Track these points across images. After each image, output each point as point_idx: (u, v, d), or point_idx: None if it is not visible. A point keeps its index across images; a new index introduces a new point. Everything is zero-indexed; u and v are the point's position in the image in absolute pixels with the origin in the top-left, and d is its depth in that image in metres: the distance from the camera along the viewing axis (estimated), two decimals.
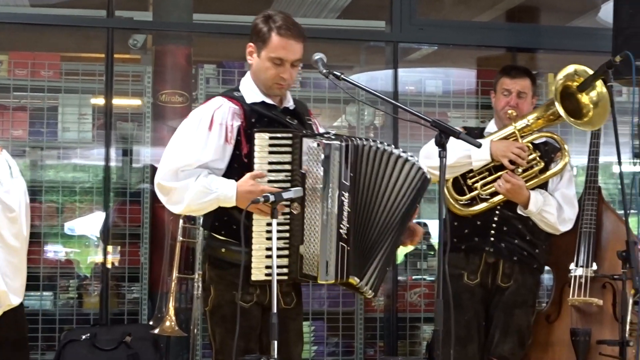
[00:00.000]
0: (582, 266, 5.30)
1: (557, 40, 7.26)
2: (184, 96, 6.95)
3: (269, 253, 3.97)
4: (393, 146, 4.27)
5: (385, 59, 7.28)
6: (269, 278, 3.98)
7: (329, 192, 4.03)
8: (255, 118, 4.19)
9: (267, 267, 4.02)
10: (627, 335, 4.70)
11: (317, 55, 4.18)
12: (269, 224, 3.97)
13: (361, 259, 4.13)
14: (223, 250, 4.19)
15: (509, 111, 5.25)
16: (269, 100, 4.25)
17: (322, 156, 4.02)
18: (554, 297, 5.47)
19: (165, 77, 7.01)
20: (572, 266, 5.34)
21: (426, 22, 7.16)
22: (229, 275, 4.13)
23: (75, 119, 6.92)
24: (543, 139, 5.27)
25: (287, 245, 4.07)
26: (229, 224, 4.15)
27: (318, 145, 4.04)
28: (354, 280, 4.10)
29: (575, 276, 5.31)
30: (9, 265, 3.97)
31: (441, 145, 3.87)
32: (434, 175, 5.05)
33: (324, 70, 4.14)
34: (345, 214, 4.06)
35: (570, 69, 5.17)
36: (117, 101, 6.82)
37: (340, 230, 4.04)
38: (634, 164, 6.07)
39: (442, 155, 3.85)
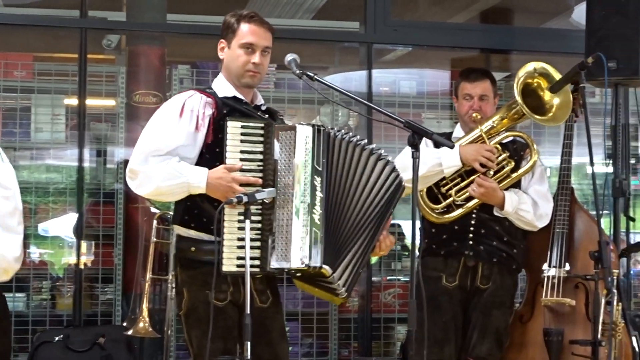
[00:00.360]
0: (554, 266, 5.32)
1: (531, 41, 7.29)
2: (157, 97, 6.93)
3: (241, 244, 3.96)
4: (366, 141, 4.29)
5: (359, 59, 7.28)
6: (240, 270, 3.96)
7: (302, 175, 4.04)
8: (227, 110, 4.21)
9: (239, 258, 3.99)
10: (599, 335, 4.71)
11: (290, 56, 4.20)
12: (240, 214, 3.96)
13: (334, 251, 4.12)
14: (193, 249, 4.18)
15: (473, 115, 5.27)
16: (240, 96, 4.28)
17: (295, 140, 4.04)
18: (527, 298, 5.49)
19: (139, 77, 6.99)
20: (544, 266, 5.35)
21: (400, 23, 7.17)
22: (200, 274, 4.12)
23: (48, 120, 6.88)
24: (510, 138, 5.29)
25: (258, 236, 4.05)
26: (199, 217, 4.16)
27: (290, 129, 4.06)
28: (326, 270, 4.07)
29: (548, 276, 5.33)
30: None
31: (414, 145, 3.88)
32: (408, 188, 5.09)
33: (297, 71, 4.16)
34: (318, 199, 4.06)
35: (529, 66, 5.21)
36: (90, 101, 6.80)
37: (313, 215, 4.04)
38: (607, 164, 6.09)
39: (415, 156, 3.87)
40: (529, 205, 5.22)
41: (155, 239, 6.01)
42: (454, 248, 5.22)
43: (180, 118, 4.17)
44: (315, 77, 4.15)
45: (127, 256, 6.72)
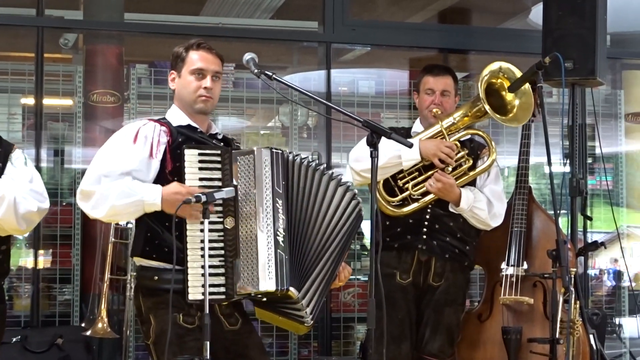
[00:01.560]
0: (513, 265, 5.35)
1: (488, 41, 7.34)
2: (115, 96, 6.90)
3: (203, 272, 3.89)
4: (325, 165, 4.32)
5: (318, 59, 7.29)
6: (203, 297, 3.88)
7: (263, 197, 4.04)
8: (182, 139, 4.19)
9: (203, 285, 3.92)
10: (557, 333, 4.75)
11: (248, 55, 4.18)
12: (202, 241, 3.92)
13: (299, 275, 4.11)
14: (156, 278, 4.11)
15: (434, 110, 5.28)
16: (195, 124, 4.26)
17: (254, 163, 4.04)
18: (485, 296, 5.52)
19: (96, 76, 6.96)
20: (503, 265, 5.38)
21: (359, 23, 7.18)
22: (166, 300, 3.97)
23: (4, 119, 6.83)
24: (469, 137, 5.31)
25: (222, 262, 4.03)
26: (159, 247, 4.11)
27: (248, 154, 4.06)
28: (293, 293, 4.05)
29: (506, 275, 5.36)
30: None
31: (373, 145, 3.89)
32: (363, 179, 5.11)
33: (256, 70, 4.15)
34: (280, 221, 4.06)
35: (495, 65, 5.23)
36: (47, 101, 6.76)
37: (277, 237, 4.04)
38: (564, 164, 6.13)
39: (374, 155, 3.87)
40: (484, 204, 5.24)
41: (113, 239, 5.98)
42: (408, 241, 5.22)
43: (134, 144, 4.13)
44: (274, 76, 4.13)
45: (86, 256, 6.68)
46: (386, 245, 5.14)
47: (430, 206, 5.22)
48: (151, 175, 4.13)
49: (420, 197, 5.19)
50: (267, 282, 4.00)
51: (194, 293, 3.97)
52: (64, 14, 7.37)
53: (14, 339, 6.01)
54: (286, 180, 4.13)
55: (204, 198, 3.85)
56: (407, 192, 5.20)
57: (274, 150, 4.12)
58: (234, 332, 4.21)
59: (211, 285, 3.92)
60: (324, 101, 4.51)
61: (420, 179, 5.20)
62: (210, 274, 3.91)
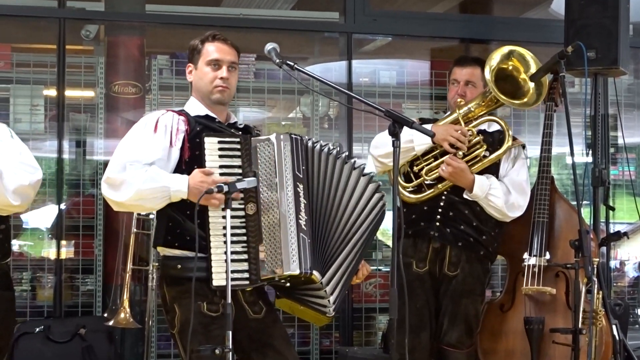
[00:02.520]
0: (535, 255, 5.33)
1: (510, 31, 7.31)
2: (137, 87, 6.91)
3: (227, 257, 3.94)
4: (347, 153, 4.32)
5: (339, 50, 7.28)
6: (231, 283, 3.93)
7: (284, 182, 4.05)
8: (200, 128, 4.21)
9: (227, 272, 3.97)
10: (580, 323, 4.74)
11: (270, 46, 4.18)
12: (225, 227, 3.92)
13: (322, 260, 4.13)
14: (179, 267, 4.13)
15: (458, 100, 5.28)
16: (213, 114, 4.28)
17: (274, 149, 4.05)
18: (507, 287, 5.50)
19: (118, 68, 6.97)
20: (525, 255, 5.36)
21: (380, 13, 7.18)
22: (189, 288, 3.98)
23: (27, 110, 6.86)
24: (498, 128, 5.29)
25: (245, 249, 4.05)
26: (182, 235, 4.12)
27: (268, 141, 4.08)
28: (316, 276, 4.07)
29: (528, 265, 5.34)
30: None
31: (395, 134, 3.88)
32: (382, 165, 5.13)
33: (277, 60, 4.15)
34: (302, 205, 4.07)
35: (505, 49, 5.22)
36: (69, 92, 6.77)
37: (300, 221, 4.06)
38: (586, 154, 6.11)
39: (396, 145, 3.87)
40: (501, 192, 5.21)
41: (135, 230, 6.00)
42: (421, 228, 5.22)
43: (155, 133, 4.16)
44: (295, 66, 4.14)
45: (108, 247, 6.70)
46: (403, 234, 5.14)
47: (445, 193, 5.21)
48: (171, 164, 4.16)
49: (434, 182, 5.19)
50: (291, 265, 4.03)
51: (218, 279, 3.99)
52: (86, 6, 7.37)
53: (37, 329, 6.04)
54: (306, 166, 4.15)
55: (226, 188, 3.86)
56: (421, 178, 5.20)
57: (294, 136, 4.15)
58: (258, 321, 4.23)
59: (234, 271, 3.94)
60: (346, 91, 4.51)
61: (434, 164, 5.20)
62: (233, 260, 3.92)
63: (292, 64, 4.13)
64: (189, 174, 4.10)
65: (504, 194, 5.22)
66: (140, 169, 4.07)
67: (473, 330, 5.34)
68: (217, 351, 3.79)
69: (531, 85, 5.22)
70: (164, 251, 4.22)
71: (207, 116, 4.27)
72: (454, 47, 7.66)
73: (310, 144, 4.21)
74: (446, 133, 5.14)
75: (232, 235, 3.93)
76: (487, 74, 5.10)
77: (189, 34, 6.87)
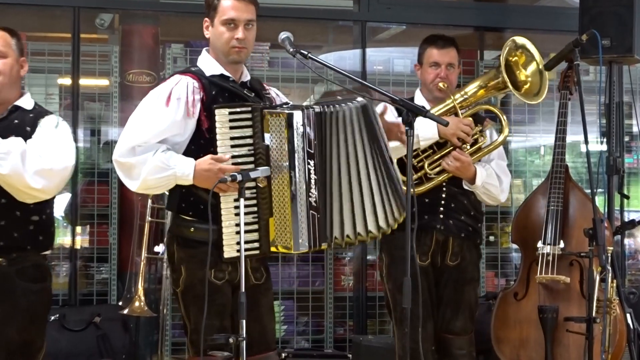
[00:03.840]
0: (549, 244, 5.33)
1: (525, 19, 7.30)
2: (151, 76, 6.93)
3: (239, 229, 3.95)
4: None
5: (353, 38, 7.27)
6: (239, 254, 3.95)
7: (295, 161, 4.04)
8: (216, 91, 4.19)
9: (239, 243, 3.98)
10: (594, 312, 4.73)
11: (284, 34, 4.16)
12: (237, 200, 3.94)
13: (330, 223, 4.13)
14: (192, 229, 4.15)
15: (440, 84, 5.20)
16: (227, 73, 4.25)
17: (285, 126, 4.03)
18: (521, 275, 5.50)
19: (132, 56, 6.99)
20: (539, 244, 5.36)
21: (394, 2, 7.16)
22: (200, 253, 4.06)
23: (42, 99, 6.86)
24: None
25: (255, 220, 4.06)
26: (195, 204, 4.13)
27: (279, 115, 4.04)
28: (324, 246, 4.12)
29: (542, 254, 5.34)
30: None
31: (408, 123, 3.88)
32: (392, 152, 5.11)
33: (291, 49, 4.13)
34: (312, 181, 4.06)
35: (519, 40, 5.18)
36: (84, 81, 6.80)
37: (310, 199, 4.05)
38: (601, 142, 6.10)
39: (409, 134, 3.86)
40: (495, 179, 5.21)
41: (150, 218, 6.01)
42: (425, 222, 5.14)
43: (167, 107, 4.11)
44: (309, 55, 4.13)
45: (122, 235, 6.72)
46: (404, 226, 5.10)
47: (445, 184, 5.18)
48: (187, 135, 4.15)
49: (435, 175, 5.16)
50: (299, 244, 4.05)
51: (230, 251, 4.02)
52: None
53: (52, 318, 6.05)
54: (320, 138, 4.09)
55: (239, 177, 3.85)
56: (423, 171, 5.16)
57: (306, 110, 4.06)
58: (255, 287, 4.24)
59: (246, 242, 3.94)
60: (360, 80, 4.49)
61: (435, 157, 5.15)
62: (245, 231, 3.90)
63: (305, 53, 4.11)
64: (205, 142, 4.10)
65: (497, 181, 5.21)
66: (148, 152, 4.06)
67: (474, 315, 5.34)
68: (231, 340, 3.80)
69: (530, 79, 5.17)
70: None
71: (222, 76, 4.24)
72: (469, 35, 7.65)
73: (323, 110, 4.10)
74: (456, 127, 5.07)
75: (245, 206, 3.91)
76: (502, 62, 5.05)
77: (203, 22, 6.86)
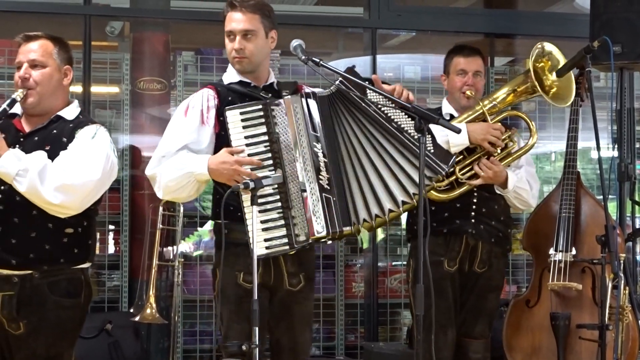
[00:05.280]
0: (561, 251, 5.32)
1: (535, 25, 7.29)
2: (162, 83, 6.94)
3: (265, 226, 4.02)
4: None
5: (363, 45, 7.28)
6: (271, 251, 4.05)
7: (299, 145, 4.09)
8: (232, 96, 4.25)
9: (266, 239, 4.04)
10: (606, 319, 4.72)
11: (296, 42, 4.19)
12: (260, 196, 3.97)
13: (351, 203, 4.16)
14: (226, 231, 4.19)
15: (467, 91, 5.25)
16: (245, 79, 4.31)
17: (284, 112, 4.10)
18: (533, 282, 5.49)
19: (143, 64, 7.00)
20: (551, 251, 5.35)
21: (404, 9, 7.17)
22: (231, 255, 4.15)
23: None
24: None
25: (281, 214, 4.10)
26: (226, 206, 4.14)
27: (278, 103, 4.10)
28: (348, 230, 4.14)
29: (554, 261, 5.32)
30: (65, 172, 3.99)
31: (420, 130, 3.88)
32: None
33: (303, 57, 4.15)
34: (322, 164, 4.10)
35: (548, 46, 5.19)
36: (95, 89, 6.81)
37: (321, 182, 4.08)
38: (612, 149, 6.09)
39: (422, 141, 3.86)
40: (526, 184, 5.28)
41: (161, 226, 6.01)
42: (457, 226, 5.21)
43: (185, 117, 4.25)
44: (321, 62, 4.14)
45: (134, 243, 6.73)
46: (434, 230, 5.09)
47: (476, 189, 5.20)
48: (206, 142, 4.23)
49: (466, 180, 5.17)
50: (317, 228, 4.08)
51: (258, 249, 4.01)
52: (111, 2, 7.41)
53: None
54: (323, 119, 4.14)
55: (252, 184, 3.87)
56: (454, 176, 5.18)
57: (305, 92, 4.17)
58: (290, 293, 4.29)
59: (273, 239, 4.03)
60: (371, 87, 4.48)
61: (467, 162, 5.18)
62: (270, 228, 4.01)
63: (317, 60, 4.13)
64: (220, 148, 4.17)
65: (528, 186, 5.24)
66: (169, 160, 4.18)
67: (493, 322, 5.39)
68: (244, 347, 3.80)
69: (556, 84, 5.19)
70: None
71: (240, 82, 4.31)
72: (479, 41, 7.64)
73: (325, 93, 4.20)
74: (486, 133, 5.11)
75: (267, 203, 4.02)
76: (530, 67, 5.09)
77: (213, 30, 6.87)
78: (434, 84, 7.44)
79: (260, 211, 3.99)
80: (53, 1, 7.20)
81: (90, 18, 6.62)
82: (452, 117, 5.30)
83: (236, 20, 4.26)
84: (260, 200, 3.98)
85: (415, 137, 4.10)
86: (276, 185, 4.07)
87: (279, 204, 4.09)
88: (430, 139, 4.14)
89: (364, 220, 4.15)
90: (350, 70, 4.20)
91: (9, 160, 3.92)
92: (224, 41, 4.38)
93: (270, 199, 4.05)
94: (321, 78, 4.40)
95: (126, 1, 7.32)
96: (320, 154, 4.09)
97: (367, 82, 4.22)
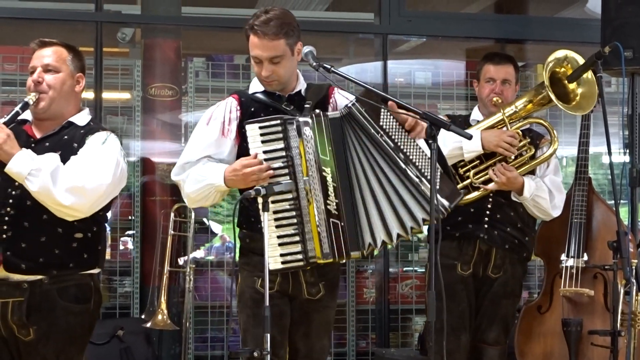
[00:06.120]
0: (573, 257, 5.32)
1: (546, 31, 7.28)
2: (173, 89, 6.95)
3: (282, 241, 4.04)
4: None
5: (374, 50, 7.28)
6: (286, 265, 4.05)
7: (309, 170, 4.06)
8: (254, 107, 4.24)
9: (282, 254, 4.05)
10: (618, 325, 4.71)
11: (307, 48, 4.18)
12: (276, 212, 4.00)
13: (361, 232, 4.12)
14: (247, 240, 4.27)
15: (494, 99, 5.25)
16: (270, 89, 4.27)
17: (297, 135, 4.06)
18: (545, 288, 5.49)
19: (154, 70, 7.01)
20: (563, 257, 5.35)
21: (415, 14, 7.17)
22: (251, 262, 4.23)
23: None
24: (528, 126, 5.27)
25: (296, 231, 4.09)
26: (247, 217, 4.24)
27: (292, 124, 4.07)
28: (356, 254, 4.13)
29: (566, 267, 5.33)
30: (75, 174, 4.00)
31: (432, 137, 3.87)
32: None
33: (314, 63, 4.14)
34: (331, 189, 4.07)
35: (560, 53, 5.17)
36: (106, 95, 6.82)
37: (328, 207, 4.06)
38: (624, 154, 6.08)
39: (433, 147, 3.86)
40: (546, 193, 5.21)
41: (173, 232, 6.02)
42: (469, 231, 5.19)
43: (207, 126, 4.27)
44: (332, 68, 4.13)
45: (145, 249, 6.74)
46: (447, 234, 5.10)
47: (491, 194, 5.19)
48: (226, 153, 4.24)
49: (481, 185, 5.17)
50: (325, 254, 4.07)
51: (274, 263, 4.04)
52: (122, 9, 7.43)
53: None
54: (333, 144, 4.08)
55: (263, 191, 3.87)
56: (469, 180, 5.18)
57: (315, 116, 4.08)
58: (309, 302, 4.29)
59: (288, 254, 4.04)
60: (381, 92, 4.48)
61: (482, 167, 5.17)
62: (286, 243, 4.03)
63: (329, 66, 4.12)
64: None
65: (548, 195, 5.21)
66: (190, 169, 4.22)
67: (509, 329, 5.35)
68: (255, 354, 3.80)
69: (579, 91, 5.18)
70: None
71: (265, 91, 4.28)
72: (489, 47, 7.63)
73: (338, 115, 4.11)
74: (498, 139, 5.10)
75: (282, 219, 4.04)
76: (545, 76, 5.06)
77: (224, 36, 6.90)
78: (444, 89, 7.45)
79: (277, 226, 4.03)
80: (65, 8, 7.22)
81: (101, 25, 6.63)
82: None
83: (261, 47, 4.17)
84: (277, 216, 4.02)
85: (423, 170, 4.09)
86: (292, 201, 4.07)
87: (295, 220, 4.08)
88: (439, 174, 4.11)
89: (370, 244, 4.14)
90: (367, 91, 4.16)
91: (22, 160, 3.93)
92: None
93: (286, 214, 4.05)
94: (332, 83, 4.38)
95: (137, 8, 7.34)
96: (329, 178, 4.08)
97: (382, 105, 4.15)
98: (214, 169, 4.18)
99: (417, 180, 4.11)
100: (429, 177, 4.00)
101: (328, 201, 4.06)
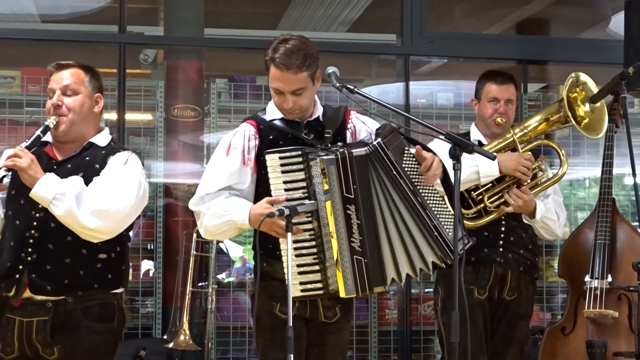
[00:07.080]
0: (597, 278, 5.29)
1: (568, 52, 7.27)
2: (196, 110, 6.97)
3: (302, 269, 4.02)
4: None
5: (396, 71, 7.29)
6: (306, 294, 4.04)
7: (332, 207, 4.01)
8: (273, 135, 4.21)
9: (302, 283, 4.03)
10: None
11: (331, 69, 4.17)
12: (295, 242, 3.98)
13: (381, 263, 4.10)
14: (265, 264, 4.22)
15: (498, 119, 5.23)
16: (291, 118, 4.24)
17: (320, 172, 4.01)
18: (569, 309, 5.45)
19: (177, 91, 7.04)
20: (587, 278, 5.32)
21: (436, 35, 7.17)
22: (269, 287, 4.19)
23: None
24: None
25: (317, 261, 4.06)
26: (265, 243, 4.17)
27: (316, 160, 4.02)
28: (381, 289, 4.12)
29: (590, 288, 5.29)
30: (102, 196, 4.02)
31: (455, 157, 3.87)
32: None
33: (337, 84, 4.13)
34: (355, 226, 4.03)
35: (581, 77, 5.17)
36: (129, 116, 6.85)
37: (352, 244, 4.03)
38: None
39: (457, 168, 3.85)
40: (554, 214, 5.24)
41: (195, 252, 6.03)
42: (485, 255, 5.18)
43: (226, 157, 4.22)
44: (355, 89, 4.13)
45: (167, 269, 6.74)
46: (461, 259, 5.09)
47: (504, 218, 5.18)
48: (247, 182, 4.22)
49: (495, 208, 5.15)
50: (348, 290, 4.03)
51: (294, 292, 4.00)
52: (145, 30, 7.47)
53: None
54: (359, 182, 4.02)
55: (287, 212, 3.85)
56: (483, 204, 5.16)
57: (340, 155, 3.99)
58: (326, 324, 4.28)
59: (309, 282, 4.03)
60: (404, 113, 4.50)
61: (495, 190, 5.16)
62: (307, 272, 4.02)
63: (352, 87, 4.11)
64: (262, 189, 4.16)
65: (556, 216, 5.21)
66: (210, 201, 4.18)
67: (524, 350, 5.35)
68: None
69: (590, 115, 5.17)
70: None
71: (282, 119, 4.24)
72: (511, 68, 7.63)
73: (361, 154, 4.04)
74: (517, 163, 5.09)
75: (304, 248, 4.02)
76: (565, 98, 5.06)
77: (246, 57, 6.93)
78: (466, 110, 7.42)
79: (296, 255, 4.00)
80: (88, 30, 7.26)
81: (124, 46, 6.66)
82: (480, 143, 5.26)
83: (283, 80, 4.11)
84: (296, 246, 4.00)
85: (438, 214, 4.09)
86: (312, 231, 4.05)
87: (315, 249, 4.06)
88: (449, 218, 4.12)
89: (392, 280, 4.13)
90: (392, 130, 4.14)
91: (46, 184, 3.96)
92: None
93: (306, 244, 4.03)
94: (353, 104, 4.36)
95: (160, 29, 7.38)
96: (353, 217, 4.05)
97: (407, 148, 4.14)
98: (238, 205, 4.14)
99: (430, 225, 4.09)
100: (441, 221, 4.07)
101: (352, 238, 4.03)
